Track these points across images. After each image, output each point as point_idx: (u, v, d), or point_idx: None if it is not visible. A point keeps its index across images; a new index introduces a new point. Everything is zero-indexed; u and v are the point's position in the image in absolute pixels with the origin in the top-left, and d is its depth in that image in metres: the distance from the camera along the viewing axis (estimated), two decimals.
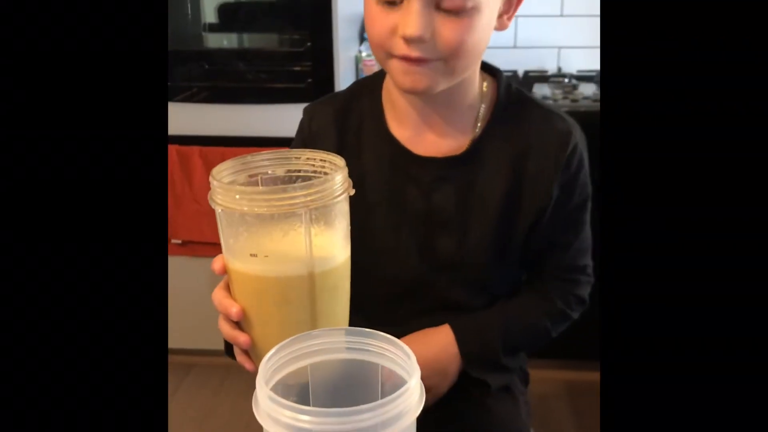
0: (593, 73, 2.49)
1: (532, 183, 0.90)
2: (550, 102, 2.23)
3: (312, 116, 0.97)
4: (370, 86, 0.96)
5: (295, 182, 0.68)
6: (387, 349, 0.56)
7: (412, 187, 0.91)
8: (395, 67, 0.81)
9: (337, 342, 0.57)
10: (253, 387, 0.52)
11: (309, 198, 0.61)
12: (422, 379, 0.53)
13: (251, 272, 0.65)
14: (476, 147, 0.89)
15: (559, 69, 2.58)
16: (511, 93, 0.92)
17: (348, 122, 0.94)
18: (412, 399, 0.50)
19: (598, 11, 2.43)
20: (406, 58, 0.79)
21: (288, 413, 0.48)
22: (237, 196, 0.62)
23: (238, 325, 0.69)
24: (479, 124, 0.90)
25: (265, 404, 0.49)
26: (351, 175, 0.83)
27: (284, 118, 2.12)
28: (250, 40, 2.30)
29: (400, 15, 0.77)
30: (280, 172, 0.70)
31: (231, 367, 2.38)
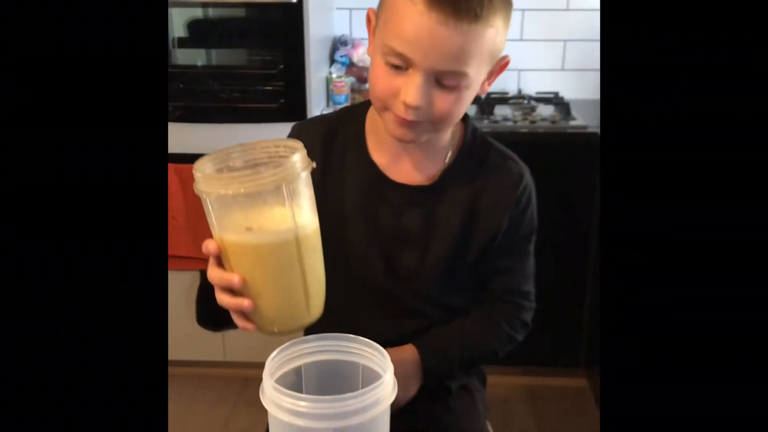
0: (551, 95, 2.56)
1: (486, 214, 1.02)
2: (511, 123, 2.29)
3: (300, 132, 1.05)
4: (355, 114, 1.06)
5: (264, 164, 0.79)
6: (366, 351, 0.66)
7: (385, 208, 1.01)
8: (390, 119, 0.91)
9: (325, 345, 0.68)
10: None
11: (281, 174, 0.71)
12: None
13: (250, 243, 0.74)
14: (443, 180, 1.01)
15: (519, 91, 2.65)
16: (476, 137, 1.04)
17: (334, 144, 1.03)
18: (386, 389, 0.60)
19: (555, 36, 2.54)
20: (403, 117, 0.89)
21: (289, 400, 0.58)
22: (228, 182, 0.71)
23: (237, 294, 0.77)
24: (447, 161, 1.02)
25: (271, 393, 0.59)
26: (333, 191, 0.95)
27: (257, 137, 2.22)
28: (220, 57, 2.29)
29: (403, 81, 0.87)
30: (240, 163, 0.79)
31: (204, 377, 2.47)
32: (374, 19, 0.95)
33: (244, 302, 0.75)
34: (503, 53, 0.94)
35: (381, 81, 0.89)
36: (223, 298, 0.77)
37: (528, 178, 1.05)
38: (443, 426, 1.06)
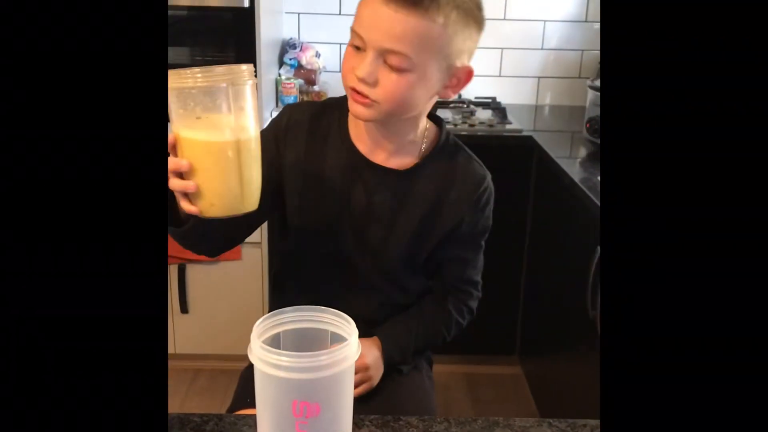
0: (489, 100, 2.64)
1: (449, 206, 1.12)
2: (451, 126, 2.34)
3: (292, 110, 1.16)
4: (341, 103, 1.14)
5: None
6: (334, 320, 0.78)
7: (360, 186, 1.10)
8: (350, 96, 1.02)
9: (300, 316, 0.79)
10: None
11: (231, 75, 0.84)
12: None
13: (197, 137, 0.85)
14: (416, 169, 1.11)
15: (459, 95, 2.71)
16: (449, 139, 1.15)
17: (320, 124, 1.13)
18: (351, 348, 0.72)
19: (493, 44, 2.68)
20: (355, 91, 0.99)
21: (273, 356, 0.68)
22: (186, 77, 0.82)
23: (183, 179, 0.87)
24: (421, 155, 1.12)
25: (258, 351, 0.69)
26: (314, 166, 1.10)
27: None
28: (172, 57, 2.24)
29: (359, 59, 0.98)
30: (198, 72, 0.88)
31: (199, 371, 2.50)
32: None
33: (190, 184, 0.86)
34: (467, 63, 1.03)
35: (345, 60, 1.01)
36: (173, 183, 0.87)
37: (489, 182, 1.16)
38: (397, 400, 1.18)
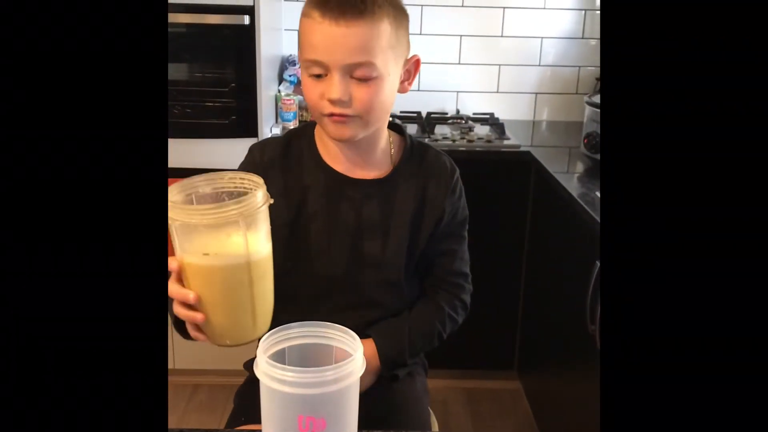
0: (487, 116, 2.64)
1: (432, 201, 1.15)
2: (450, 141, 2.35)
3: (263, 151, 1.16)
4: (303, 131, 1.18)
5: (221, 198, 0.87)
6: (339, 335, 0.78)
7: (346, 203, 1.12)
8: (326, 122, 1.04)
9: (305, 331, 0.79)
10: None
11: (243, 209, 0.80)
12: None
13: (205, 265, 0.82)
14: (393, 174, 1.14)
15: (458, 111, 2.73)
16: (414, 143, 1.19)
17: (290, 155, 1.16)
18: (356, 364, 0.72)
19: (490, 60, 2.70)
20: (333, 115, 1.02)
21: (278, 371, 0.69)
22: (193, 213, 0.79)
23: (192, 308, 0.85)
24: (393, 161, 1.15)
25: (264, 366, 0.70)
26: (295, 190, 1.06)
27: (209, 152, 2.21)
28: (173, 73, 2.25)
29: (325, 84, 1.00)
30: (209, 189, 0.87)
31: (198, 387, 2.49)
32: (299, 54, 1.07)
33: (198, 316, 0.84)
34: (411, 53, 1.08)
35: (310, 90, 1.03)
36: (179, 311, 0.86)
37: (457, 172, 1.20)
38: (391, 406, 1.17)
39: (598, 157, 2.18)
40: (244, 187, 0.88)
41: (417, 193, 1.15)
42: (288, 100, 2.45)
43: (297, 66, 2.60)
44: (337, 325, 0.79)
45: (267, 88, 2.31)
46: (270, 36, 2.39)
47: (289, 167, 1.15)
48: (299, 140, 1.17)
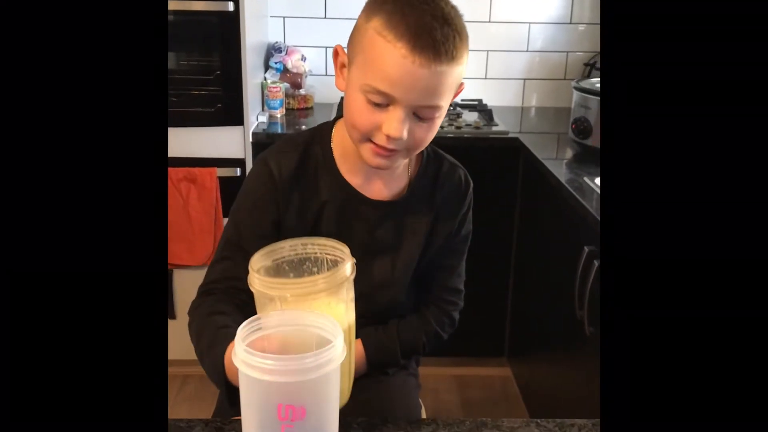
0: (475, 102, 2.64)
1: (445, 217, 1.12)
2: (438, 128, 2.47)
3: (280, 165, 1.07)
4: (320, 136, 1.10)
5: (305, 264, 0.90)
6: (320, 323, 0.77)
7: (360, 223, 1.09)
8: (368, 149, 0.97)
9: (284, 319, 0.78)
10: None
11: (330, 281, 0.81)
12: None
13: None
14: (410, 193, 1.10)
15: None
16: (430, 151, 1.13)
17: (307, 167, 1.08)
18: (337, 350, 0.71)
19: (478, 46, 2.68)
20: (382, 148, 0.95)
21: (258, 360, 0.67)
22: (278, 286, 0.81)
23: None
24: (410, 175, 1.11)
25: (242, 354, 0.68)
26: (311, 209, 1.07)
27: (195, 140, 2.19)
28: None
29: (385, 116, 0.92)
30: (290, 254, 0.89)
31: (188, 377, 2.48)
32: (343, 55, 0.99)
33: None
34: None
35: (364, 116, 0.94)
36: None
37: (471, 184, 1.16)
38: (381, 399, 1.17)
39: (586, 143, 2.17)
40: (326, 254, 0.90)
41: (432, 210, 1.12)
42: (274, 87, 2.43)
43: (283, 53, 2.58)
44: (316, 312, 0.77)
45: (253, 76, 2.29)
46: (255, 23, 2.37)
47: (307, 183, 1.09)
48: (315, 147, 1.10)
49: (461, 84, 1.02)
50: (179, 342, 2.37)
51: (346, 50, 1.00)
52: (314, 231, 1.08)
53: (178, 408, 2.31)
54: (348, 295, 0.85)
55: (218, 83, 2.20)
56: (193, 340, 1.05)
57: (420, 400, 1.27)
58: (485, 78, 2.79)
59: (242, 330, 0.73)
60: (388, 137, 0.94)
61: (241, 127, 2.21)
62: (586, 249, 1.65)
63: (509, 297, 2.49)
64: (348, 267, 0.84)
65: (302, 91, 2.58)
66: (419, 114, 0.94)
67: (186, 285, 2.34)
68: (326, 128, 1.12)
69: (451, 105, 2.84)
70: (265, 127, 2.34)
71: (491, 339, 2.55)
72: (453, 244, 1.16)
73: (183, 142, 2.20)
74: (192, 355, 2.68)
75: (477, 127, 2.39)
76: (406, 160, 1.10)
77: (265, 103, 2.46)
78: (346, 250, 0.88)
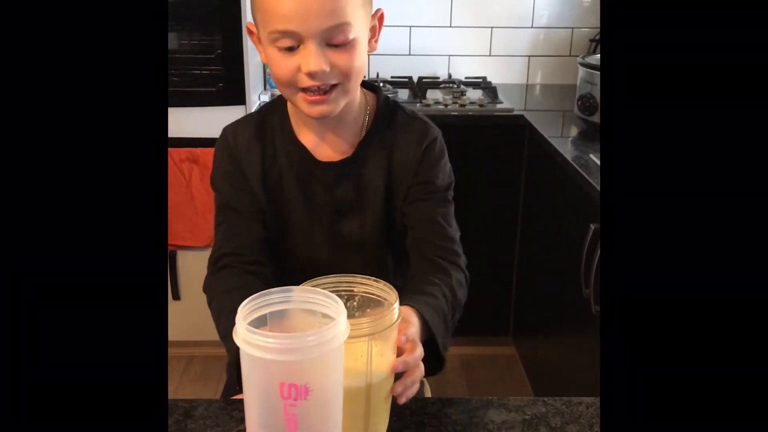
0: (479, 80, 2.62)
1: (399, 170, 1.08)
2: (442, 106, 2.32)
3: (235, 134, 1.11)
4: (275, 106, 1.12)
5: (354, 297, 0.85)
6: (323, 300, 0.76)
7: (318, 186, 1.08)
8: (302, 100, 0.97)
9: (287, 297, 0.77)
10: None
11: (379, 325, 0.76)
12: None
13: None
14: (362, 148, 1.08)
15: (450, 75, 2.70)
16: (388, 104, 1.11)
17: (265, 135, 1.10)
18: (340, 329, 0.70)
19: (482, 23, 2.65)
20: (310, 90, 0.95)
21: (257, 337, 0.66)
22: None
23: None
24: (363, 131, 1.09)
25: (243, 333, 0.67)
26: (271, 174, 1.03)
27: (197, 120, 2.19)
28: None
29: (300, 57, 0.93)
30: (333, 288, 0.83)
31: (193, 358, 2.49)
32: (252, 28, 1.01)
33: None
34: (374, 7, 1.00)
35: (282, 66, 0.95)
36: None
37: (436, 135, 1.11)
38: None
39: (592, 119, 2.15)
40: (372, 293, 0.84)
41: (385, 163, 1.09)
42: None
43: None
44: (319, 289, 0.76)
45: (254, 55, 2.27)
46: None
47: (265, 148, 1.10)
48: (272, 116, 1.12)
49: (378, 11, 1.03)
50: (184, 322, 2.38)
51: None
52: (278, 195, 1.09)
53: (183, 388, 2.31)
54: (392, 341, 0.80)
55: (219, 62, 2.18)
56: (214, 319, 1.05)
57: (425, 379, 1.27)
58: (489, 55, 2.76)
59: (244, 308, 0.72)
60: (309, 74, 0.93)
61: (243, 106, 2.20)
62: (592, 227, 1.63)
63: (514, 276, 2.49)
64: (396, 308, 0.78)
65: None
66: (332, 41, 0.93)
67: (189, 266, 2.34)
68: (281, 99, 1.12)
69: (454, 83, 2.81)
70: None
71: (496, 318, 2.55)
72: (434, 194, 1.10)
73: (185, 122, 2.19)
74: (196, 336, 2.69)
75: (481, 105, 2.38)
76: (356, 111, 1.08)
77: (266, 82, 2.44)
78: (394, 291, 0.81)
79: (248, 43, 2.16)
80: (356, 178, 1.09)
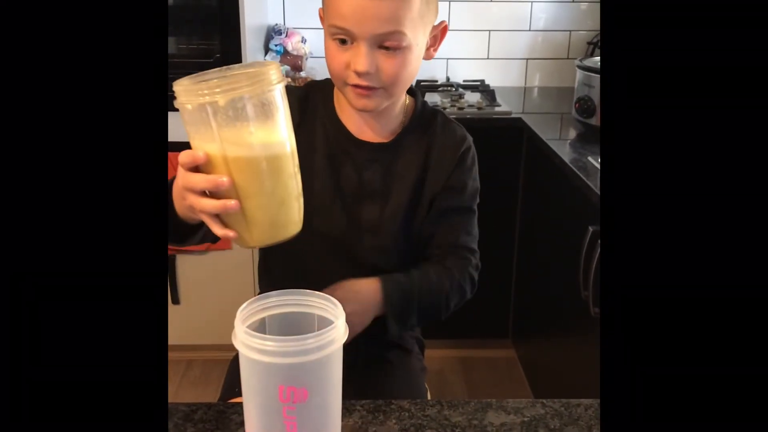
0: (477, 83, 2.62)
1: (435, 168, 1.11)
2: (440, 109, 2.45)
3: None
4: (323, 86, 1.15)
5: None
6: (321, 303, 0.76)
7: (349, 163, 1.10)
8: (349, 92, 1.01)
9: (285, 300, 0.77)
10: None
11: (254, 83, 0.75)
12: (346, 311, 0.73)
13: (242, 156, 0.76)
14: (398, 140, 1.11)
15: (448, 78, 2.70)
16: (426, 107, 1.15)
17: (307, 105, 1.13)
18: (339, 331, 0.70)
19: (481, 26, 2.66)
20: (357, 86, 0.99)
21: (256, 340, 0.66)
22: (197, 92, 0.75)
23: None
24: (401, 128, 1.12)
25: (242, 336, 0.67)
26: (304, 143, 1.00)
27: None
28: None
29: (351, 53, 0.97)
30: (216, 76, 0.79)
31: (192, 362, 2.49)
32: (321, 12, 1.04)
33: (231, 203, 0.77)
34: (439, 19, 1.04)
35: (335, 58, 0.99)
36: (205, 204, 0.78)
37: (471, 143, 1.16)
38: (386, 384, 1.16)
39: (590, 122, 2.15)
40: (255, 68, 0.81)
41: (421, 158, 1.12)
42: None
43: (283, 35, 2.56)
44: (318, 292, 0.76)
45: (253, 59, 2.28)
46: (255, 5, 2.35)
47: (304, 112, 1.13)
48: (316, 93, 1.15)
49: (442, 23, 1.06)
50: (183, 327, 2.38)
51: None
52: (306, 163, 1.04)
53: (183, 392, 2.31)
54: (283, 110, 0.79)
55: (218, 67, 2.17)
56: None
57: (426, 386, 1.27)
58: (487, 58, 2.76)
59: (243, 311, 0.72)
60: (357, 73, 0.97)
61: None
62: (591, 229, 1.63)
63: (513, 278, 2.49)
64: (272, 68, 0.78)
65: (303, 74, 2.56)
66: (384, 44, 0.97)
67: (188, 270, 2.34)
68: (329, 83, 1.15)
69: (452, 86, 2.81)
70: None
71: (496, 320, 2.55)
72: (457, 200, 1.14)
73: (182, 126, 2.18)
74: (195, 340, 2.68)
75: (479, 108, 2.38)
76: (398, 110, 1.11)
77: None
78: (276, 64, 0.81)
79: (247, 47, 2.16)
80: (387, 165, 1.11)
